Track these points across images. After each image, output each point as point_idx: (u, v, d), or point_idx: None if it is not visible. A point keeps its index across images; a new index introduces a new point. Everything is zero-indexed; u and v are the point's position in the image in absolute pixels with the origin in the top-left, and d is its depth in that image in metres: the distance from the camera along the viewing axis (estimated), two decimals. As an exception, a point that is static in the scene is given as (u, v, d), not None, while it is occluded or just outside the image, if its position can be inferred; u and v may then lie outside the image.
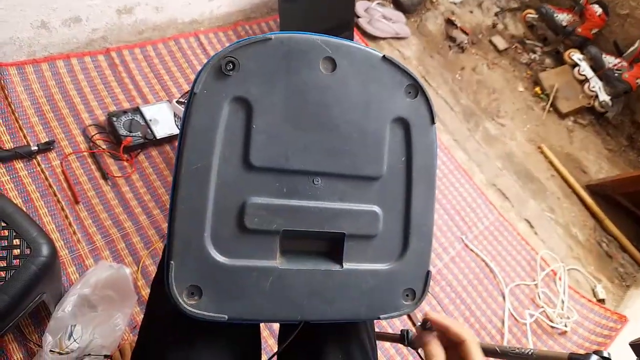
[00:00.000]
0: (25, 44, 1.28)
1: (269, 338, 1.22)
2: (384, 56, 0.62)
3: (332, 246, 0.64)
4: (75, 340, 0.97)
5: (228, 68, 0.56)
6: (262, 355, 0.76)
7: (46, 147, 1.24)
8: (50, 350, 0.95)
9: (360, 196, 0.63)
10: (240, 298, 0.57)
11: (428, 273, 0.65)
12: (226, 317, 0.57)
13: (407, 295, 0.64)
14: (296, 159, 0.59)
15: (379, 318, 0.63)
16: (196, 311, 0.56)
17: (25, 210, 1.15)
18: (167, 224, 0.57)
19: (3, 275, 0.83)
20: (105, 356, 1.01)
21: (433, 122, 0.65)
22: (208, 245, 0.56)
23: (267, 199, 0.58)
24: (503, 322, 1.54)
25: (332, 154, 0.60)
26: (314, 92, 0.59)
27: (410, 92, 0.64)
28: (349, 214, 0.62)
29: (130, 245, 1.22)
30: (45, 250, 0.88)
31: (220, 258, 0.57)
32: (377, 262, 0.63)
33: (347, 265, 0.62)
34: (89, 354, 0.96)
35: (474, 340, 0.59)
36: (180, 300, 0.55)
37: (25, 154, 1.21)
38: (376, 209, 0.63)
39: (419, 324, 0.65)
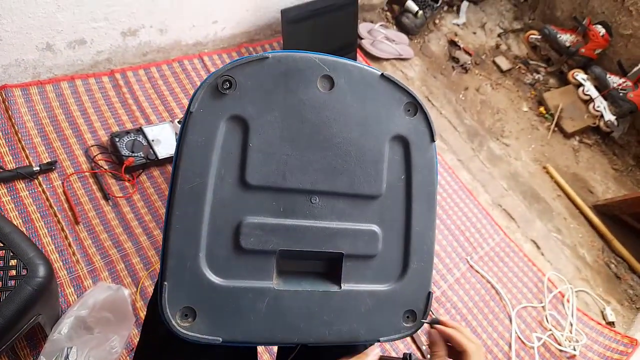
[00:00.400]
0: (30, 66, 1.30)
1: (264, 354, 1.19)
2: (382, 74, 0.62)
3: (330, 266, 0.63)
4: (71, 363, 0.96)
5: (225, 87, 0.56)
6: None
7: (48, 168, 1.24)
8: (46, 374, 0.94)
9: (359, 215, 0.62)
10: (235, 320, 0.56)
11: (429, 294, 0.63)
12: (220, 339, 0.55)
13: (407, 317, 0.63)
14: (293, 178, 0.59)
15: (378, 341, 0.62)
16: (190, 333, 0.54)
17: (25, 230, 1.15)
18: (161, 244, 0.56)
19: (-2, 297, 0.82)
20: (101, 380, 0.99)
21: (433, 139, 0.64)
22: (203, 266, 0.55)
23: (263, 219, 0.58)
24: (510, 346, 1.51)
25: (330, 172, 0.60)
26: (312, 110, 0.59)
27: (409, 110, 0.63)
28: (348, 233, 0.61)
29: (130, 266, 1.21)
30: (42, 271, 0.88)
31: (215, 279, 0.56)
32: (377, 282, 0.62)
33: (345, 286, 0.60)
34: (84, 378, 0.95)
35: (479, 351, 0.58)
36: (174, 322, 0.54)
37: (27, 175, 1.21)
38: (375, 228, 0.62)
39: (427, 321, 0.64)
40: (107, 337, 0.99)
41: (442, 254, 1.63)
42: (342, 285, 0.60)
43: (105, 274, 1.18)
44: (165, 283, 0.54)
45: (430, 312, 0.65)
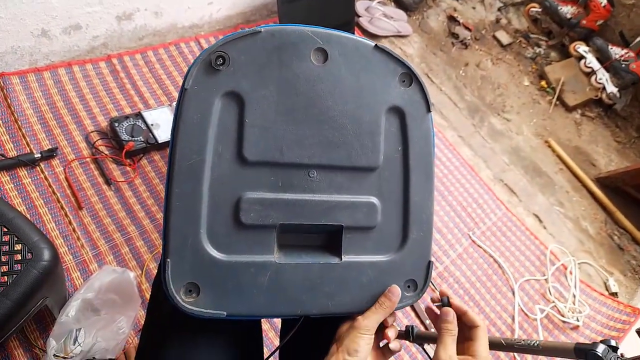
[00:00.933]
0: (26, 53, 1.30)
1: (270, 331, 1.21)
2: (376, 45, 0.61)
3: (330, 239, 0.63)
4: (79, 344, 0.97)
5: (218, 63, 0.56)
6: (264, 350, 0.76)
7: (49, 154, 1.25)
8: (55, 355, 0.95)
9: (358, 188, 0.62)
10: (239, 294, 0.57)
11: (429, 263, 0.64)
12: (225, 313, 0.56)
13: (408, 287, 0.63)
14: (291, 152, 0.59)
15: None
16: (194, 308, 0.55)
17: (29, 217, 1.16)
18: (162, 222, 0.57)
19: (5, 281, 0.84)
20: (110, 359, 1.01)
21: (429, 110, 0.64)
22: (204, 242, 0.56)
23: (262, 194, 0.58)
24: (513, 318, 1.52)
25: (327, 146, 0.60)
26: (306, 83, 0.59)
27: (404, 81, 0.63)
28: (347, 206, 0.61)
29: (134, 249, 1.22)
30: (46, 254, 0.89)
31: (217, 254, 0.56)
32: (377, 253, 0.63)
33: (346, 258, 0.61)
34: (93, 358, 0.97)
35: (485, 329, 0.59)
36: (178, 298, 0.55)
37: (28, 162, 1.22)
38: (374, 200, 0.62)
39: (436, 304, 0.64)
40: (114, 318, 1.00)
41: (444, 230, 1.64)
42: (342, 257, 0.61)
43: (110, 257, 1.19)
44: (168, 260, 0.55)
45: (431, 283, 0.65)
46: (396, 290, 0.61)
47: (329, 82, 0.60)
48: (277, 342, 1.19)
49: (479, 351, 0.57)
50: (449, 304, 0.61)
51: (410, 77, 0.63)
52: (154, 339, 0.67)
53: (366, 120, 0.61)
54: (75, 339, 0.98)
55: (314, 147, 0.60)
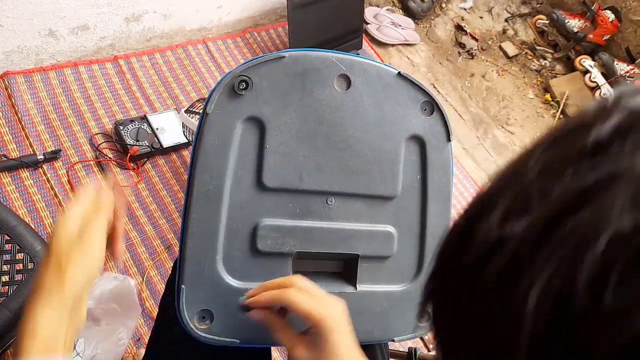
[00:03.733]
0: (32, 52, 1.28)
1: (275, 351, 1.20)
2: (399, 73, 0.61)
3: (345, 267, 0.63)
4: (78, 354, 0.96)
5: (241, 87, 0.55)
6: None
7: (52, 156, 1.23)
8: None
9: (375, 216, 0.62)
10: (252, 322, 0.57)
11: None
12: (238, 341, 0.56)
13: (422, 317, 0.63)
14: (310, 179, 0.58)
15: (393, 340, 0.62)
16: (208, 336, 0.55)
17: (30, 220, 1.15)
18: (178, 246, 0.57)
19: (5, 291, 0.82)
20: (109, 370, 1.00)
21: (449, 139, 0.64)
22: (220, 269, 0.56)
23: (279, 220, 0.58)
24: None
25: (346, 173, 0.60)
26: (328, 110, 0.59)
27: (425, 109, 0.63)
28: (363, 234, 0.61)
29: (135, 255, 1.21)
30: (49, 264, 0.87)
31: (232, 281, 0.56)
32: (392, 283, 0.63)
33: (361, 287, 0.61)
34: (93, 369, 0.96)
35: (317, 300, 0.47)
36: (192, 325, 0.55)
37: (31, 163, 1.20)
38: (391, 229, 0.62)
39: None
40: (115, 329, 0.99)
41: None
42: (357, 286, 0.61)
43: (111, 264, 1.18)
44: (183, 287, 0.55)
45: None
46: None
47: (350, 109, 0.59)
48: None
49: None
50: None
51: (432, 105, 0.63)
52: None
53: (386, 149, 0.61)
54: (74, 349, 0.97)
55: (333, 174, 0.59)
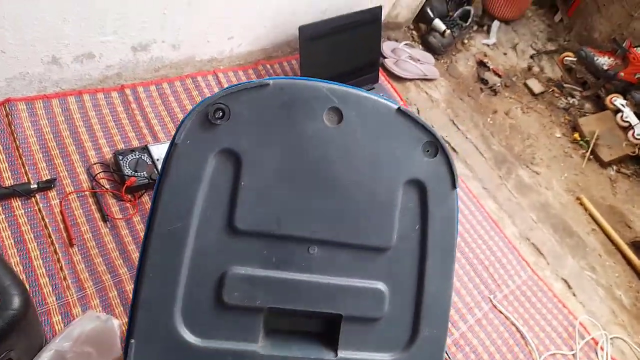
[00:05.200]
0: (35, 80, 1.26)
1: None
2: (399, 108, 0.53)
3: (326, 328, 0.54)
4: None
5: (217, 116, 0.49)
6: None
7: (46, 186, 1.19)
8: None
9: (364, 270, 0.53)
10: None
11: None
12: None
13: None
14: (289, 224, 0.51)
15: None
16: None
17: (16, 252, 1.10)
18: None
19: (-35, 329, 0.76)
20: (80, 421, 0.91)
21: (454, 186, 0.55)
22: (177, 322, 0.48)
23: (251, 270, 0.50)
24: (536, 398, 1.37)
25: (332, 219, 0.52)
26: (316, 146, 0.51)
27: (428, 151, 0.55)
28: (349, 291, 0.52)
29: (123, 293, 1.14)
30: (16, 302, 0.81)
31: (190, 338, 0.48)
32: (380, 351, 0.53)
33: (342, 354, 0.52)
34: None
35: None
36: None
37: (23, 192, 1.16)
38: (381, 286, 0.53)
39: None
40: (86, 376, 0.91)
41: (462, 291, 1.51)
42: (338, 352, 0.52)
43: (96, 301, 1.11)
44: (132, 341, 0.48)
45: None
46: None
47: (341, 146, 0.52)
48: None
49: None
50: None
51: (435, 146, 0.55)
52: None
53: (380, 193, 0.53)
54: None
55: (318, 219, 0.52)
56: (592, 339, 1.56)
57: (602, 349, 1.54)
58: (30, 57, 1.20)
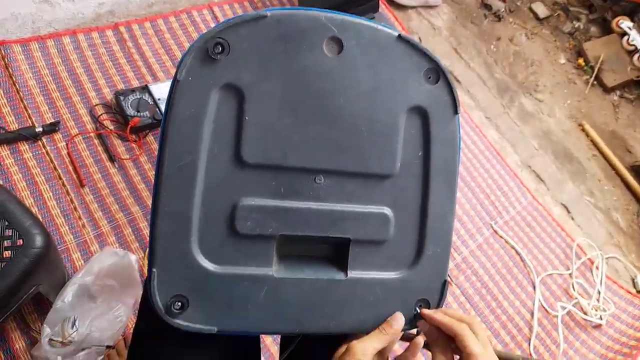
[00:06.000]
0: (28, 20, 1.23)
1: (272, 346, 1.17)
2: (399, 35, 0.53)
3: (335, 252, 0.57)
4: (77, 329, 0.94)
5: (216, 51, 0.49)
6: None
7: (51, 128, 1.20)
8: (51, 339, 0.93)
9: (369, 196, 0.55)
10: (231, 309, 0.52)
11: (445, 282, 0.57)
12: (215, 329, 0.51)
13: (420, 307, 0.57)
14: (295, 155, 0.52)
15: None
16: (182, 323, 0.51)
17: (29, 194, 1.12)
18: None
19: (-7, 268, 0.80)
20: (108, 346, 0.98)
21: (456, 111, 0.56)
22: (195, 252, 0.51)
23: (261, 200, 0.52)
24: (532, 314, 1.45)
25: (337, 148, 0.53)
26: (317, 78, 0.51)
27: (430, 77, 0.55)
28: (356, 216, 0.54)
29: (137, 230, 1.18)
30: (38, 241, 0.84)
31: (208, 265, 0.51)
32: (387, 270, 0.56)
33: (352, 274, 0.55)
34: (89, 346, 0.93)
35: (487, 352, 0.49)
36: (164, 312, 0.50)
37: (29, 136, 1.17)
38: (387, 210, 0.55)
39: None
40: (111, 306, 0.97)
41: (464, 218, 1.56)
42: (348, 272, 0.55)
43: (112, 238, 1.15)
44: (154, 270, 0.50)
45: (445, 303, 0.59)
46: (400, 318, 0.54)
47: (342, 76, 0.52)
48: (277, 355, 1.14)
49: None
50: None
51: (437, 73, 0.55)
52: (144, 348, 0.62)
53: (383, 121, 0.54)
54: (74, 323, 0.95)
55: (322, 149, 0.52)
56: (589, 259, 1.62)
57: (597, 268, 1.60)
58: (20, -5, 1.16)
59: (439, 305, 0.57)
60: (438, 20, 2.08)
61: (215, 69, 0.49)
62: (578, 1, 2.42)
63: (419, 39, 1.96)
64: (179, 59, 0.49)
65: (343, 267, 0.55)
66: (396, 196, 0.56)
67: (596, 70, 2.17)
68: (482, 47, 2.09)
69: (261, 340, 1.16)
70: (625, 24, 2.24)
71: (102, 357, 0.96)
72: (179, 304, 0.51)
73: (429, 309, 0.57)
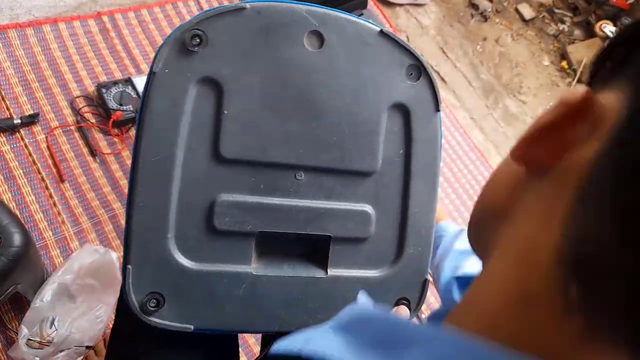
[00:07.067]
0: (6, 6, 1.19)
1: (250, 338, 1.16)
2: (381, 30, 0.52)
3: (316, 249, 0.56)
4: (56, 329, 0.92)
5: (194, 43, 0.47)
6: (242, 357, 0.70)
7: (30, 120, 1.16)
8: (29, 340, 0.90)
9: (350, 194, 0.55)
10: (209, 307, 0.51)
11: (425, 281, 0.57)
12: (192, 327, 0.50)
13: (400, 305, 0.57)
14: (275, 151, 0.51)
15: None
16: (158, 321, 0.49)
17: (7, 188, 1.09)
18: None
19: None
20: (88, 347, 0.96)
21: (438, 109, 0.56)
22: (171, 248, 0.49)
23: (240, 196, 0.51)
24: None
25: (317, 144, 0.52)
26: (297, 72, 0.50)
27: (412, 74, 0.54)
28: (337, 214, 0.54)
29: (119, 227, 1.15)
30: (17, 240, 0.82)
31: (185, 262, 0.50)
32: (368, 268, 0.56)
33: (332, 272, 0.54)
34: (69, 347, 0.91)
35: None
36: (139, 309, 0.49)
37: (7, 127, 1.13)
38: (368, 208, 0.55)
39: None
40: (91, 307, 0.95)
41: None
42: (328, 270, 0.55)
43: (92, 235, 1.12)
44: (129, 267, 0.49)
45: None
46: None
47: (324, 71, 0.51)
48: (257, 350, 1.14)
49: None
50: None
51: (419, 69, 0.54)
52: (122, 347, 0.61)
53: (364, 118, 0.53)
54: (52, 323, 0.93)
55: (303, 145, 0.52)
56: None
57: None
58: (-2, -19, 1.12)
59: (419, 303, 0.57)
60: (425, 19, 2.07)
61: (193, 61, 0.48)
62: (563, 3, 2.45)
63: (407, 37, 1.96)
64: (156, 51, 0.47)
65: (323, 264, 0.55)
66: (377, 194, 0.55)
67: (579, 73, 2.20)
68: (468, 48, 2.10)
69: (244, 340, 1.15)
70: (608, 28, 2.28)
71: (81, 357, 0.95)
72: (155, 301, 0.50)
73: (409, 308, 0.57)
